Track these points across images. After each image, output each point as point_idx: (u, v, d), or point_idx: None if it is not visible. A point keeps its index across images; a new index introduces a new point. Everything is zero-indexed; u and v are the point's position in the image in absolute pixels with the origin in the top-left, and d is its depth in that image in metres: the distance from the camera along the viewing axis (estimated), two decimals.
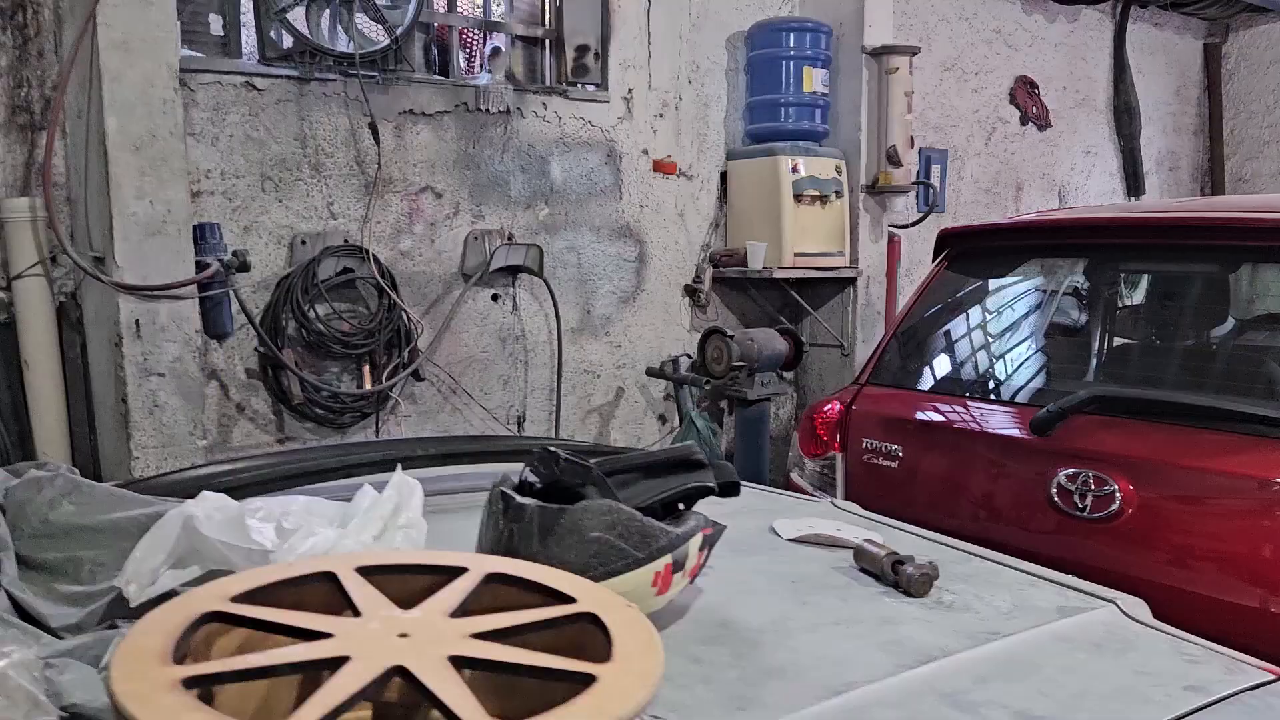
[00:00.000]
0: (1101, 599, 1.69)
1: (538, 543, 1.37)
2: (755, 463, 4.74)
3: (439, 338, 4.10)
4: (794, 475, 3.55)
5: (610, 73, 4.53)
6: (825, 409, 3.45)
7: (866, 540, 1.76)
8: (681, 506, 1.60)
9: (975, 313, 3.50)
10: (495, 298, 4.30)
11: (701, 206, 4.94)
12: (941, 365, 3.45)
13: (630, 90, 4.62)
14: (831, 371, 5.20)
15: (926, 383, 3.37)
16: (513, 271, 4.27)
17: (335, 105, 3.77)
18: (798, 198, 4.78)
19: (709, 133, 4.94)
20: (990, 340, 3.48)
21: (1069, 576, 1.79)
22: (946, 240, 3.46)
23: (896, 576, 1.65)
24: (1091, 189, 6.99)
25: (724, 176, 5.00)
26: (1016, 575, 1.79)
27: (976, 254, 3.48)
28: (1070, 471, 2.60)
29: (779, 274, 4.73)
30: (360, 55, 3.63)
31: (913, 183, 5.14)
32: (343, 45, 3.68)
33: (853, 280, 5.05)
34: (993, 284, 3.53)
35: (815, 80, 4.84)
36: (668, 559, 1.42)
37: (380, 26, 3.70)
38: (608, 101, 4.54)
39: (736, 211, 4.98)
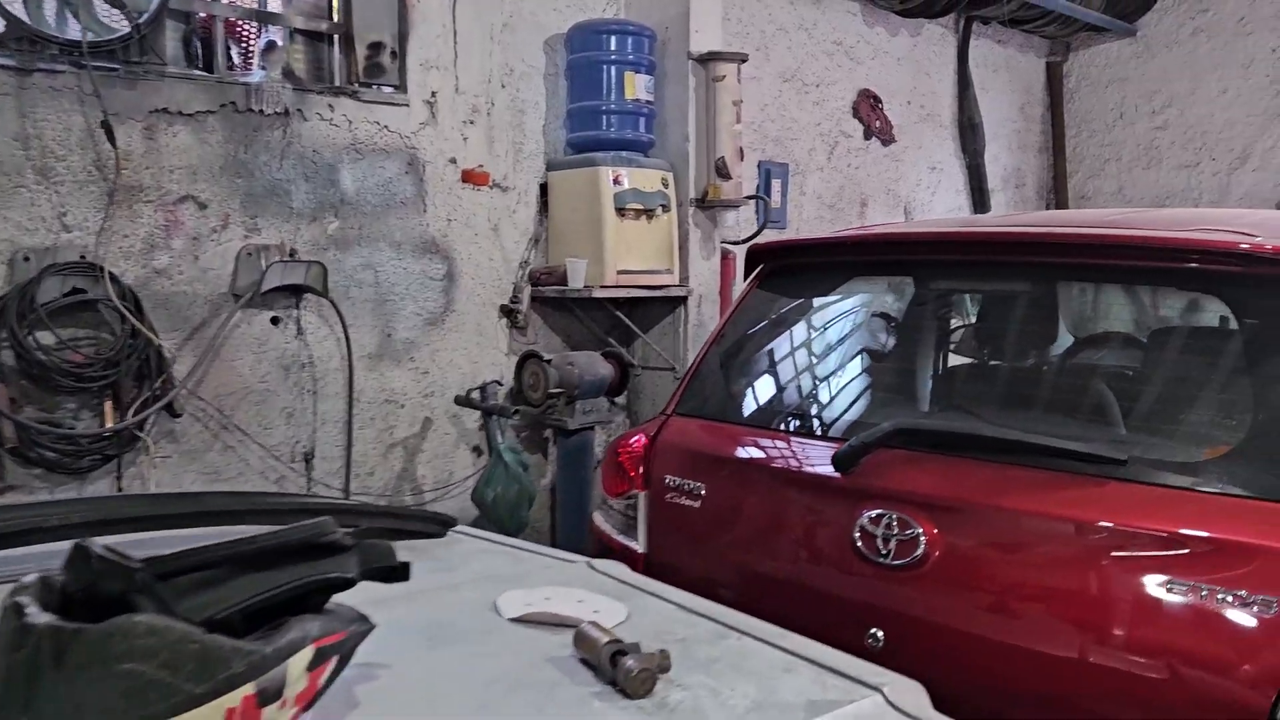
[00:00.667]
0: (868, 685, 1.39)
1: (46, 682, 0.97)
2: (578, 497, 4.37)
3: (205, 367, 3.61)
4: (597, 517, 3.19)
5: (410, 74, 4.13)
6: (631, 441, 3.12)
7: (592, 621, 1.41)
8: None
9: (790, 336, 3.21)
10: (275, 321, 3.83)
11: (519, 220, 4.57)
12: (752, 394, 3.15)
13: (434, 93, 4.22)
14: (665, 396, 4.86)
15: (735, 413, 3.06)
16: (297, 291, 3.81)
17: (68, 101, 3.26)
18: (620, 211, 4.45)
19: (526, 141, 4.57)
20: (804, 367, 3.19)
21: (839, 655, 1.48)
22: (758, 257, 3.16)
23: (614, 671, 1.30)
24: (938, 205, 6.89)
25: (544, 189, 4.64)
26: (773, 658, 1.47)
27: (792, 272, 3.19)
28: (873, 513, 2.31)
29: (600, 293, 4.39)
30: (90, 45, 3.13)
31: (747, 196, 4.87)
32: (75, 32, 3.18)
33: (683, 299, 4.74)
34: (809, 305, 3.25)
35: (638, 86, 4.53)
36: (248, 689, 1.04)
37: (119, 12, 3.22)
38: (407, 105, 4.13)
39: (557, 226, 4.62)
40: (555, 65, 4.66)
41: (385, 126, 4.07)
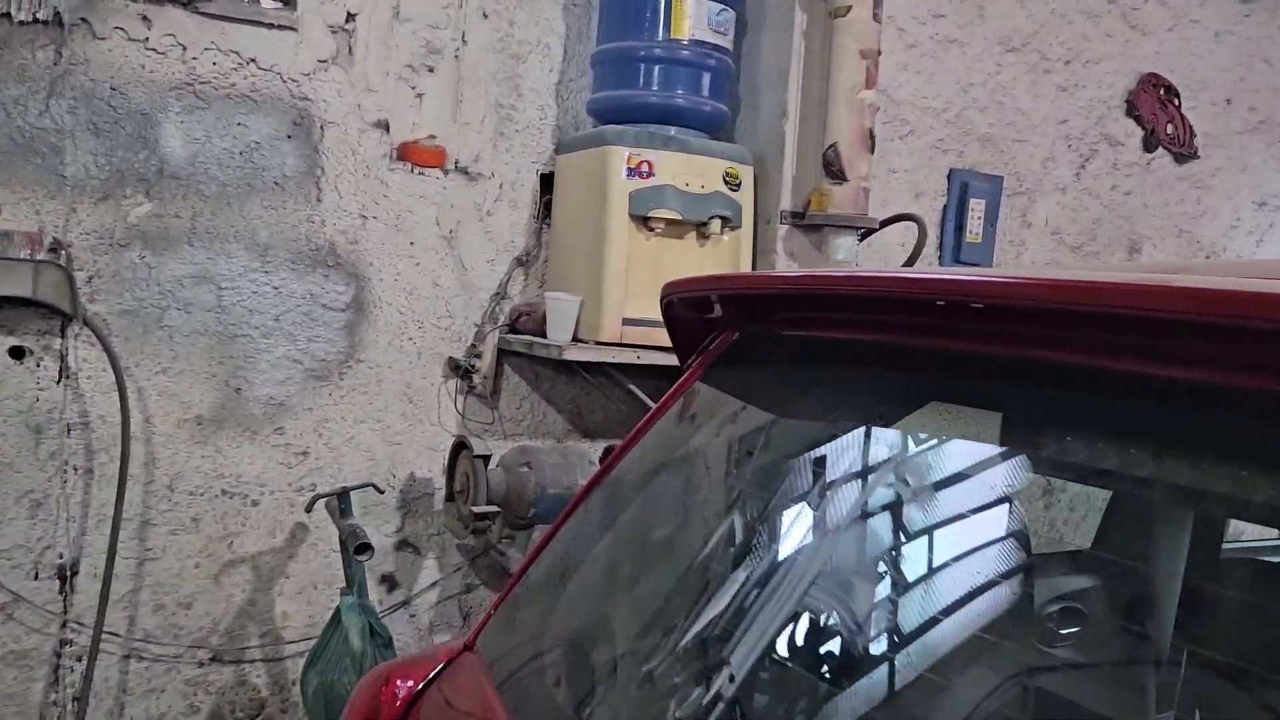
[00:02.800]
0: None
1: None
2: None
3: None
4: None
5: None
6: (392, 683, 1.49)
7: None
8: None
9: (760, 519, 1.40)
10: (18, 354, 2.40)
11: (496, 227, 2.90)
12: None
13: (350, 15, 2.66)
14: None
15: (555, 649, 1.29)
16: (51, 311, 2.37)
17: None
18: (642, 222, 2.68)
19: (521, 104, 2.91)
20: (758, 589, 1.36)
21: None
22: (681, 312, 1.36)
23: None
24: (1269, 257, 4.48)
25: (547, 181, 2.95)
26: None
27: (790, 354, 1.35)
28: None
29: (581, 353, 2.63)
30: None
31: (888, 219, 2.93)
32: None
33: None
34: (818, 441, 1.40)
35: (697, 18, 2.74)
36: None
37: None
38: (295, 30, 2.59)
39: (559, 240, 2.92)
40: None
41: (253, 61, 2.55)
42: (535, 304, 2.85)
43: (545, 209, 2.95)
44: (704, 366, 1.43)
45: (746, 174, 2.82)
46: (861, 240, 2.88)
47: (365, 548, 2.27)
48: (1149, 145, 4.15)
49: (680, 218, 2.70)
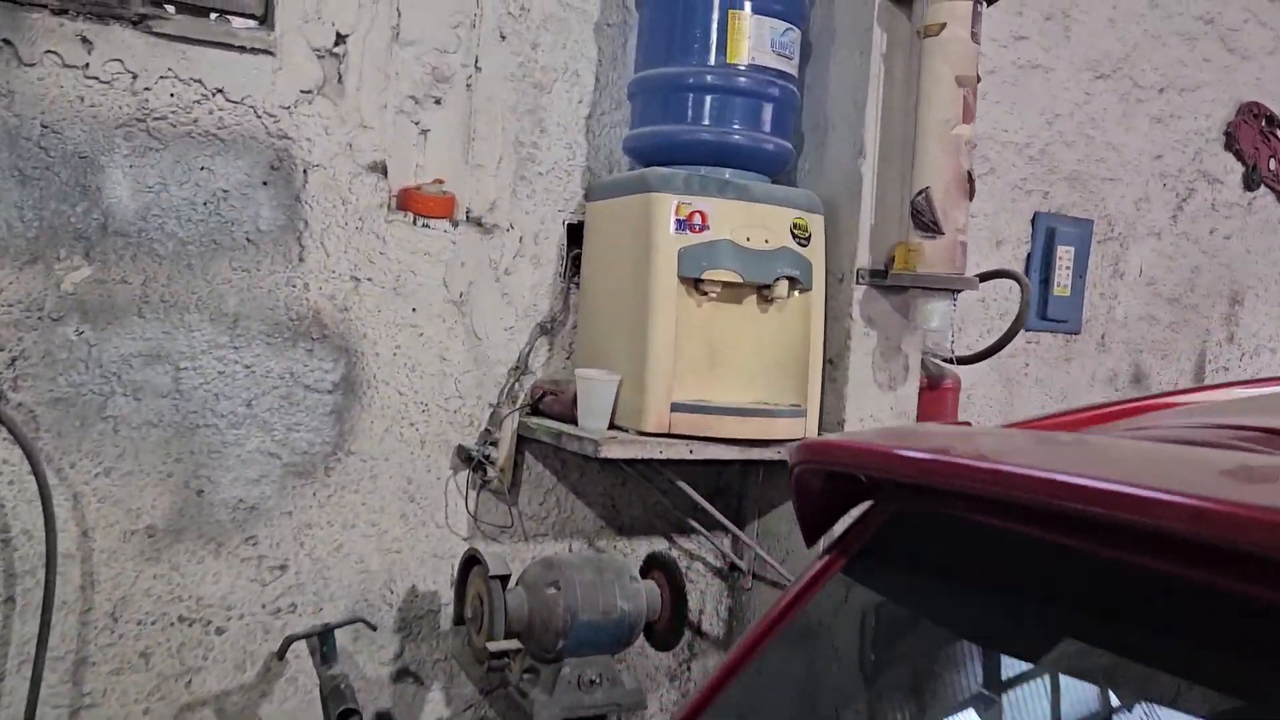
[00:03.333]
0: None
1: None
2: None
3: None
4: None
5: None
6: None
7: None
8: None
9: None
10: None
11: (516, 288, 2.42)
12: None
13: (340, 37, 2.19)
14: None
15: None
16: None
17: None
18: (694, 285, 2.21)
19: (545, 143, 2.43)
20: None
21: None
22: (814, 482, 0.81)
23: None
24: None
25: (575, 232, 2.48)
26: None
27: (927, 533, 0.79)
28: None
29: (621, 450, 2.14)
30: None
31: (987, 274, 2.45)
32: None
33: None
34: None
35: (758, 38, 2.27)
36: None
37: None
38: (272, 54, 2.13)
39: (591, 302, 2.43)
40: (625, 8, 2.51)
41: (220, 92, 2.09)
42: (563, 381, 2.36)
43: (574, 265, 2.47)
44: (846, 555, 0.94)
45: (816, 225, 2.34)
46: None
47: (350, 714, 1.77)
48: (1250, 183, 3.67)
49: (741, 280, 2.21)
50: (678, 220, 2.18)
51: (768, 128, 2.31)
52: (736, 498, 2.70)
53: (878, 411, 2.44)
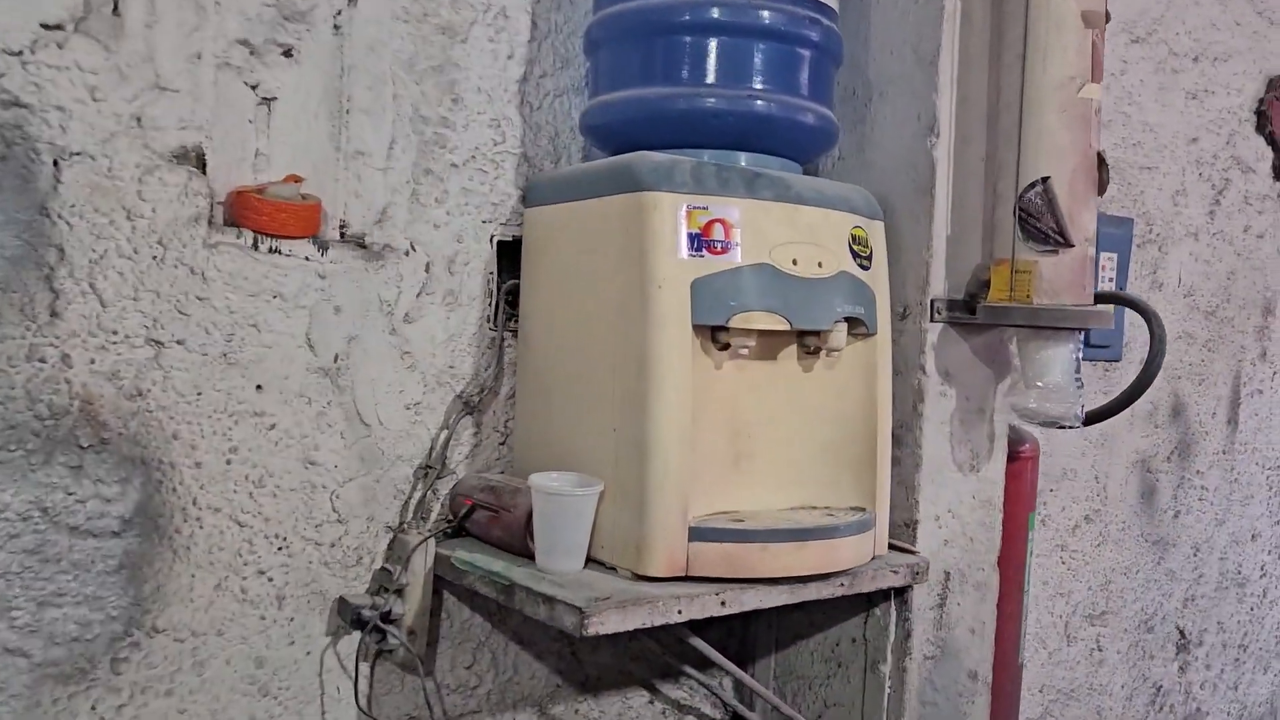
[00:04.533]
0: None
1: None
2: None
3: None
4: None
5: None
6: None
7: None
8: None
9: None
10: None
11: (422, 342, 1.56)
12: None
13: None
14: None
15: None
16: None
17: None
18: (711, 336, 1.40)
19: (461, 118, 1.57)
20: None
21: None
22: None
23: None
24: None
25: (510, 252, 1.63)
26: None
27: None
28: None
29: (619, 621, 1.30)
30: None
31: (1114, 295, 1.74)
32: None
33: (898, 593, 1.61)
34: None
35: None
36: None
37: None
38: None
39: (538, 358, 1.58)
40: None
41: None
42: (504, 486, 1.51)
43: (509, 303, 1.62)
44: None
45: (877, 236, 1.56)
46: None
47: None
48: (1279, 172, 3.10)
49: (789, 326, 1.41)
50: (690, 235, 1.36)
51: (804, 89, 1.52)
52: (742, 623, 1.90)
53: (957, 503, 1.69)
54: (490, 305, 1.61)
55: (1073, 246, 1.52)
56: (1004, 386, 1.74)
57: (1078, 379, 1.57)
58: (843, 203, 1.51)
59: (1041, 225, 1.52)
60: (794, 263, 1.42)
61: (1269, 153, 3.05)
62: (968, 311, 1.63)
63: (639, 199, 1.37)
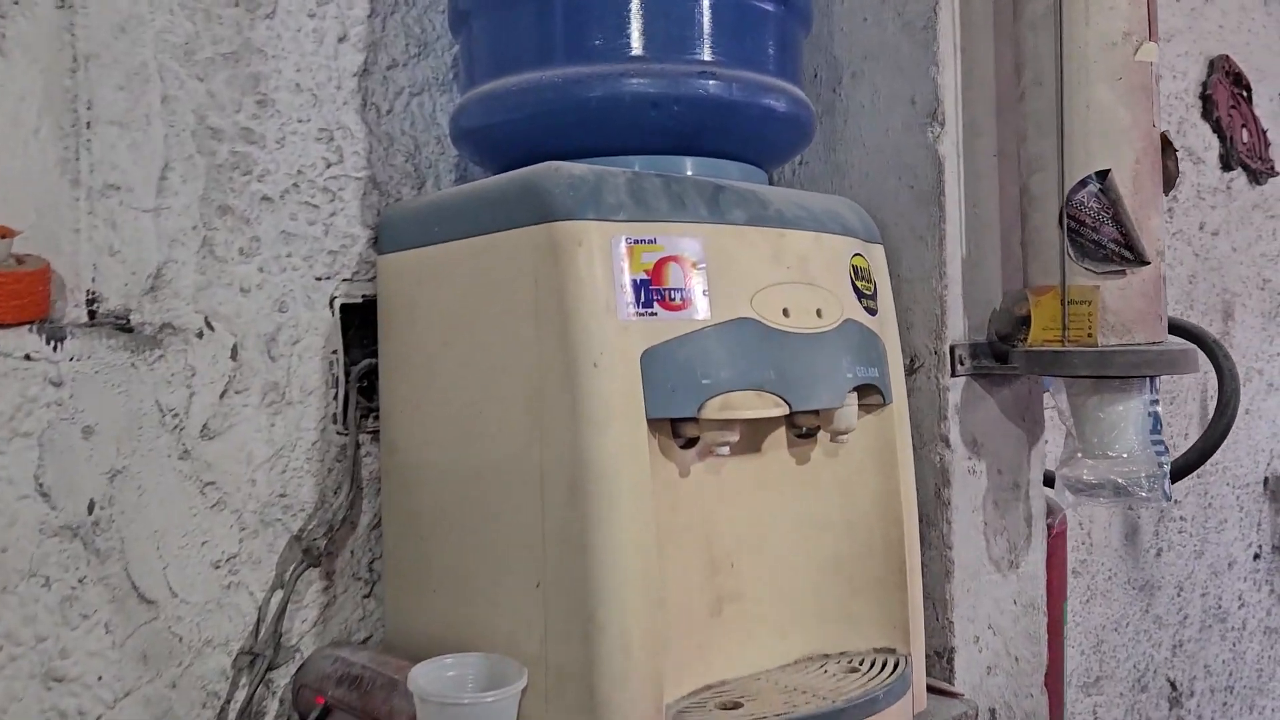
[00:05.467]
0: None
1: None
2: None
3: None
4: None
5: None
6: None
7: None
8: None
9: None
10: None
11: (230, 464, 1.04)
12: None
13: None
14: None
15: None
16: None
17: None
18: (674, 431, 0.92)
19: (273, 129, 1.07)
20: None
21: None
22: None
23: None
24: None
25: (360, 317, 1.12)
26: None
27: None
28: None
29: None
30: None
31: (1179, 331, 1.35)
32: None
33: None
34: None
35: None
36: None
37: None
38: None
39: (413, 476, 1.08)
40: None
41: None
42: (369, 675, 1.00)
43: (364, 392, 1.11)
44: None
45: (877, 263, 1.12)
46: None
47: None
48: (1227, 162, 2.82)
49: (789, 409, 0.94)
50: (636, 283, 0.89)
51: (771, 63, 1.07)
52: None
53: (998, 613, 1.25)
54: (336, 399, 1.10)
55: (1146, 264, 1.11)
56: (1039, 450, 1.32)
57: (1157, 441, 1.15)
58: (835, 222, 1.06)
59: (1100, 236, 1.10)
60: (785, 313, 0.96)
61: (1215, 141, 2.77)
62: (997, 360, 1.20)
63: (553, 232, 0.89)
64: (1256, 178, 2.90)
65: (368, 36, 1.14)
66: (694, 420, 0.91)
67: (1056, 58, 1.12)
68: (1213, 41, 2.76)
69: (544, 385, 0.90)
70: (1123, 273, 1.11)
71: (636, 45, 0.99)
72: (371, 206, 1.13)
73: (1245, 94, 2.86)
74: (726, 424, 0.92)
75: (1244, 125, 2.85)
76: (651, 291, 0.89)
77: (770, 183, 1.16)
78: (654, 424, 0.90)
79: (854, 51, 1.26)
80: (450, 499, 1.02)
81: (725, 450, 0.93)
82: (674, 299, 0.90)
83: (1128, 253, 1.10)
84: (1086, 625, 2.33)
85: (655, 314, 0.89)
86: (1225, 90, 2.78)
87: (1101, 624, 2.38)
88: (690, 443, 0.96)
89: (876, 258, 1.11)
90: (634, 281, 0.89)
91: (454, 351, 1.01)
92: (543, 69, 1.00)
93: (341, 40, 1.11)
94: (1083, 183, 1.11)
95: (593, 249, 0.88)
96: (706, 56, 1.01)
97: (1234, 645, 2.89)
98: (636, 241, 0.90)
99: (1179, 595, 2.63)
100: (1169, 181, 1.19)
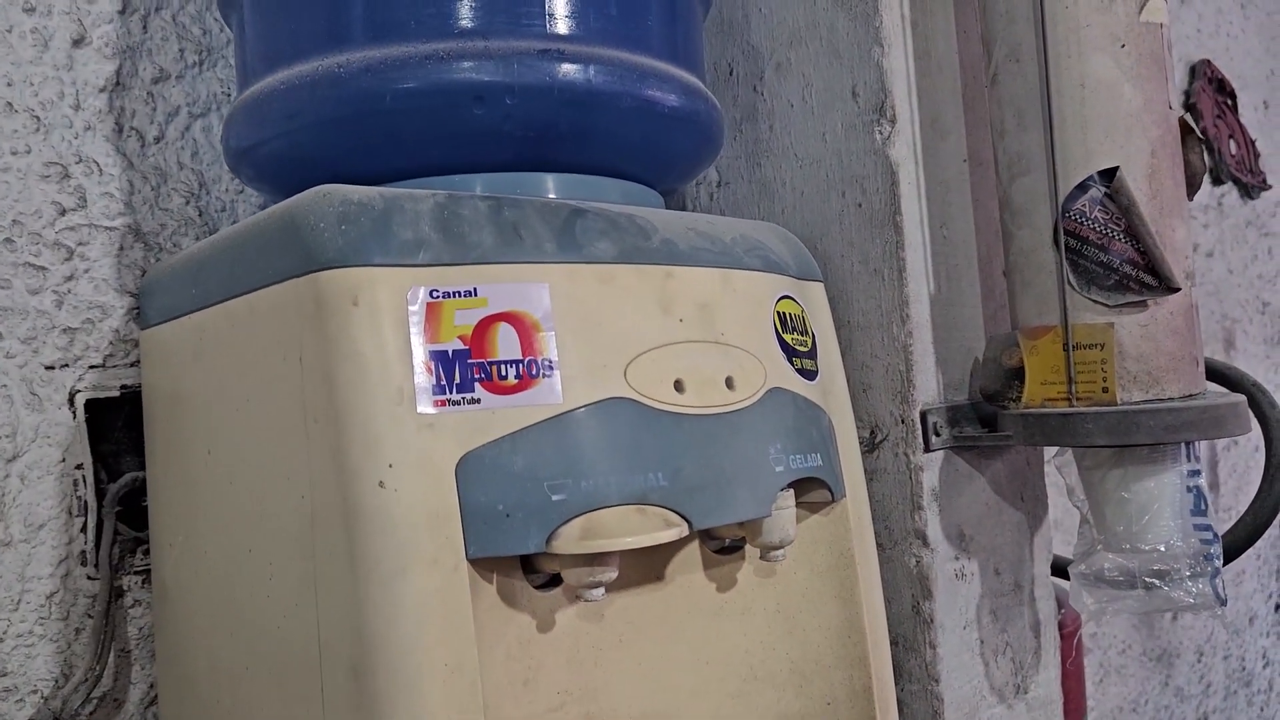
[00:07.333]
0: None
1: None
2: None
3: None
4: None
5: None
6: None
7: None
8: None
9: None
10: None
11: None
12: None
13: None
14: None
15: None
16: None
17: None
18: (525, 566, 0.61)
19: None
20: None
21: None
22: None
23: None
24: None
25: (119, 416, 0.82)
26: None
27: None
28: None
29: None
30: None
31: (1222, 370, 1.06)
32: None
33: None
34: None
35: None
36: None
37: None
38: None
39: (183, 633, 0.78)
40: None
41: None
42: None
43: (125, 517, 0.80)
44: None
45: (816, 307, 0.82)
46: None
47: None
48: (1217, 176, 2.58)
49: (690, 528, 0.64)
50: (440, 355, 0.59)
51: (653, 40, 0.78)
52: None
53: None
54: (85, 531, 0.80)
55: (1175, 290, 0.82)
56: (1043, 535, 1.02)
57: (1202, 526, 0.86)
58: (753, 254, 0.77)
59: (1110, 257, 0.82)
60: (677, 387, 0.66)
61: (1205, 152, 2.52)
62: (984, 426, 0.91)
63: (318, 286, 0.59)
64: (1248, 192, 2.66)
65: (120, 40, 0.85)
66: (533, 556, 0.61)
67: (1037, 23, 0.84)
68: (1191, 45, 2.53)
69: (316, 516, 0.60)
70: (1144, 304, 0.82)
71: (457, 16, 0.70)
72: (132, 266, 0.83)
73: (1230, 102, 2.62)
74: (595, 558, 0.61)
75: (1231, 136, 2.61)
76: (470, 367, 0.60)
77: (675, 208, 0.87)
78: (485, 563, 0.60)
79: (777, 37, 0.98)
80: (224, 671, 0.71)
81: (598, 594, 0.63)
82: (506, 376, 0.61)
83: (1149, 276, 0.81)
84: (1103, 709, 2.02)
85: (477, 401, 0.60)
86: (1209, 99, 2.54)
87: (1119, 705, 2.07)
88: (554, 580, 0.66)
89: (815, 300, 0.82)
90: (442, 354, 0.59)
91: (220, 462, 0.71)
92: (325, 55, 0.71)
93: (79, 44, 0.82)
94: (1082, 186, 0.83)
95: (377, 307, 0.58)
96: (558, 29, 0.72)
97: (1261, 710, 2.59)
98: (446, 295, 0.60)
99: (1199, 661, 2.34)
100: (1194, 181, 0.95)
